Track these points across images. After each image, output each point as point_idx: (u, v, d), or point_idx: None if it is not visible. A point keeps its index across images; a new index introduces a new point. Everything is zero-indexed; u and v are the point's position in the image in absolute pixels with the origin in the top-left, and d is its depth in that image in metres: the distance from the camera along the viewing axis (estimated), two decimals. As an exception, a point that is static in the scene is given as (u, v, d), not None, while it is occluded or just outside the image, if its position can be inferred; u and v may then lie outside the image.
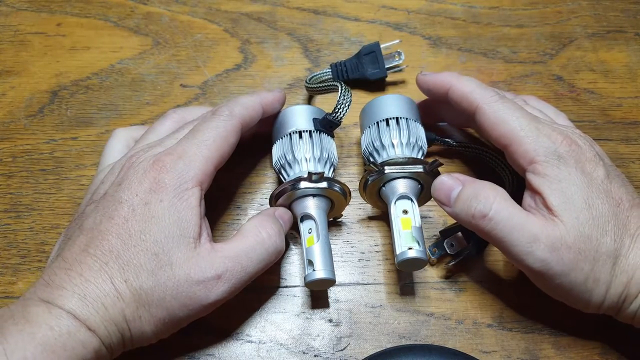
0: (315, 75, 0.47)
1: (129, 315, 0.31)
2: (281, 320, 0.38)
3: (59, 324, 0.29)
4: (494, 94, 0.38)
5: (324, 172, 0.37)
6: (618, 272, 0.33)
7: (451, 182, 0.36)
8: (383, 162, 0.38)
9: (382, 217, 0.42)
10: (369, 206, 0.43)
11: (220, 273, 0.33)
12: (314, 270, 0.35)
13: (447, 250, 0.39)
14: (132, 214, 0.32)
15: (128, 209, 0.33)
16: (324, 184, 0.37)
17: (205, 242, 0.34)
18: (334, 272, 0.36)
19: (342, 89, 0.40)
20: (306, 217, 0.38)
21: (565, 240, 0.33)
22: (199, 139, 0.35)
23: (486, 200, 0.34)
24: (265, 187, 0.44)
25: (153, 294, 0.32)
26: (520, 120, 0.36)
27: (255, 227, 0.36)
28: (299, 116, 0.41)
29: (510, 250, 0.34)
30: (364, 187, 0.39)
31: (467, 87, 0.39)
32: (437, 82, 0.40)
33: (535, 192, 0.35)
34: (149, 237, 0.32)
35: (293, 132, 0.40)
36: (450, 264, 0.39)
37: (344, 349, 0.37)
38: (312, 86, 0.45)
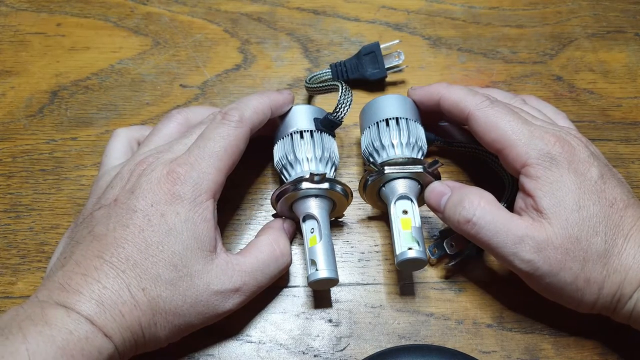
0: (315, 75, 0.47)
1: (144, 322, 0.31)
2: (281, 320, 0.38)
3: (78, 328, 0.29)
4: (484, 99, 0.38)
5: (325, 173, 0.37)
6: (611, 272, 0.33)
7: (441, 188, 0.37)
8: (383, 162, 0.38)
9: (382, 217, 0.42)
10: (369, 206, 0.43)
11: (238, 286, 0.34)
12: (317, 270, 0.35)
13: (447, 251, 0.39)
14: (148, 224, 0.33)
15: (143, 219, 0.33)
16: (325, 185, 0.37)
17: (221, 253, 0.35)
18: (337, 271, 0.36)
19: (342, 89, 0.40)
20: (308, 217, 0.38)
21: (552, 241, 0.33)
22: (211, 149, 0.35)
23: (470, 206, 0.35)
24: (266, 187, 0.44)
25: (171, 303, 0.32)
26: (511, 124, 0.36)
27: (270, 244, 0.37)
28: (300, 116, 0.41)
29: (497, 253, 0.35)
30: (363, 188, 0.39)
31: (457, 96, 0.39)
32: (427, 95, 0.41)
33: (528, 195, 0.35)
34: (167, 249, 0.33)
35: (294, 132, 0.40)
36: (450, 264, 0.40)
37: (344, 349, 0.37)
38: (312, 86, 0.45)
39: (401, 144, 0.39)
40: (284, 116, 0.41)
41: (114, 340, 0.30)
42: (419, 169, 0.38)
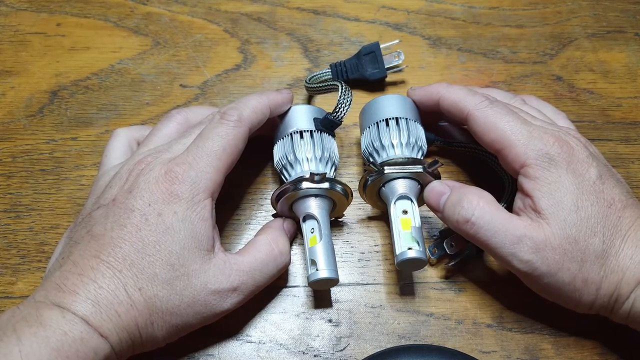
0: (315, 75, 0.47)
1: (141, 322, 0.31)
2: (281, 320, 0.38)
3: (73, 329, 0.29)
4: (484, 99, 0.38)
5: (325, 173, 0.37)
6: (608, 273, 0.33)
7: (440, 187, 0.37)
8: (383, 162, 0.38)
9: (382, 217, 0.42)
10: (368, 206, 0.43)
11: (236, 286, 0.34)
12: (317, 270, 0.35)
13: (447, 251, 0.39)
14: (145, 224, 0.33)
15: (141, 218, 0.33)
16: (325, 185, 0.37)
17: (218, 252, 0.35)
18: (337, 271, 0.36)
19: (342, 89, 0.40)
20: (308, 217, 0.38)
21: (550, 241, 0.33)
22: (209, 148, 0.35)
23: (469, 205, 0.35)
24: (266, 187, 0.44)
25: (168, 302, 0.32)
26: (510, 124, 0.36)
27: (268, 243, 0.37)
28: (300, 116, 0.41)
29: (496, 253, 0.35)
30: (363, 188, 0.39)
31: (457, 96, 0.39)
32: (427, 95, 0.41)
33: (526, 195, 0.35)
34: (163, 248, 0.32)
35: (294, 132, 0.40)
36: (450, 264, 0.40)
37: (344, 349, 0.37)
38: (312, 86, 0.45)
39: (401, 144, 0.39)
40: (283, 116, 0.41)
41: (110, 340, 0.30)
42: (418, 169, 0.38)
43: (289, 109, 0.41)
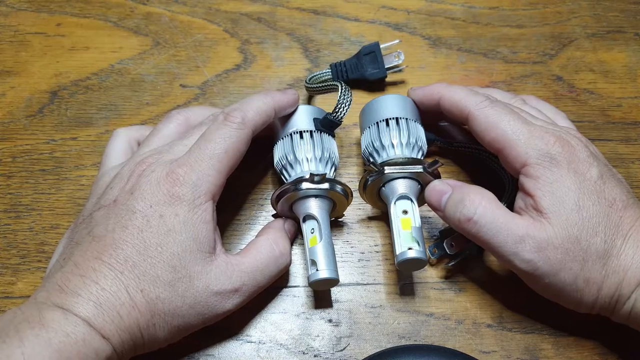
0: (315, 75, 0.47)
1: (143, 324, 0.31)
2: (281, 320, 0.38)
3: (75, 330, 0.29)
4: (484, 99, 0.38)
5: (325, 174, 0.37)
6: (609, 273, 0.33)
7: (442, 186, 0.37)
8: (383, 162, 0.38)
9: (382, 217, 0.42)
10: (368, 206, 0.43)
11: (237, 287, 0.34)
12: (317, 270, 0.35)
13: (447, 251, 0.39)
14: (147, 225, 0.33)
15: (142, 220, 0.33)
16: (325, 185, 0.37)
17: (220, 254, 0.35)
18: (337, 271, 0.36)
19: (342, 89, 0.40)
20: (308, 217, 0.38)
21: (552, 241, 0.33)
22: (211, 151, 0.35)
23: (471, 204, 0.35)
24: (266, 187, 0.44)
25: (170, 304, 0.32)
26: (511, 123, 0.36)
27: (269, 244, 0.37)
28: (300, 116, 0.41)
29: (497, 252, 0.34)
30: (363, 188, 0.39)
31: (457, 95, 0.39)
32: (427, 95, 0.41)
33: (528, 194, 0.35)
34: (165, 250, 0.33)
35: (294, 133, 0.40)
36: (450, 264, 0.40)
37: (344, 349, 0.37)
38: (312, 86, 0.45)
39: (401, 144, 0.39)
40: (283, 116, 0.41)
41: (112, 342, 0.30)
42: (419, 169, 0.38)
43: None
